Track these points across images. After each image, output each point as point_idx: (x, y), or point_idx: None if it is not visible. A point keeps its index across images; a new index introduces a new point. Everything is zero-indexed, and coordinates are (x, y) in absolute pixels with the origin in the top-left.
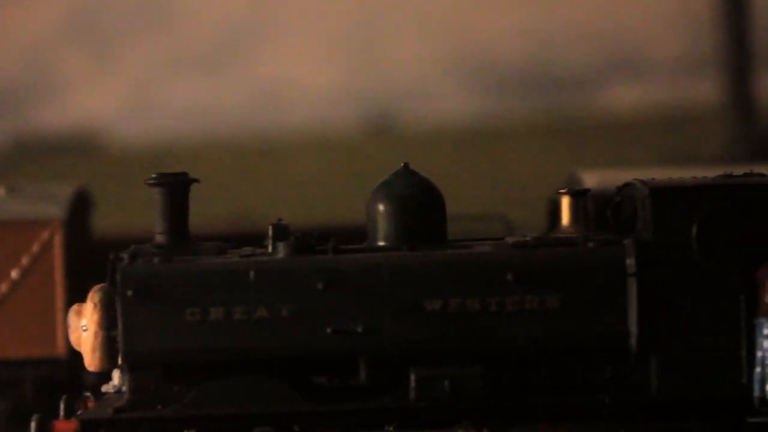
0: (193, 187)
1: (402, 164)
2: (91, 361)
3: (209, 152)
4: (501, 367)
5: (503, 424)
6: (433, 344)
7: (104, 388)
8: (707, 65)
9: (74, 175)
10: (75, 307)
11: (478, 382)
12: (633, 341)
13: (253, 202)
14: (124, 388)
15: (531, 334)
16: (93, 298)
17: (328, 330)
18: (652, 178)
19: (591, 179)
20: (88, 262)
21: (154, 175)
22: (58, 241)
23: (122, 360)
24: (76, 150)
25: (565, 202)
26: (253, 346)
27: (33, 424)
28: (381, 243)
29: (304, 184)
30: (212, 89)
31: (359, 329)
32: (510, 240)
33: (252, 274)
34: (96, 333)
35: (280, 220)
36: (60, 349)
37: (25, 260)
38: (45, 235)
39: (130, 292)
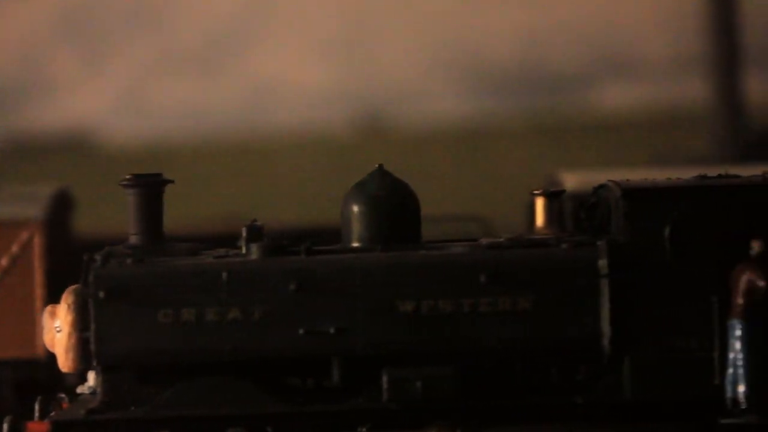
0: (184, 187)
1: (377, 165)
2: (64, 363)
3: (201, 152)
4: (474, 368)
5: (476, 425)
6: (405, 345)
7: (79, 390)
8: (698, 65)
9: (66, 175)
10: (49, 308)
11: (451, 383)
12: (606, 342)
13: (244, 202)
14: (98, 390)
15: (504, 335)
16: (67, 299)
17: (301, 331)
18: (627, 180)
19: (571, 180)
20: (70, 263)
21: (127, 177)
22: (37, 241)
23: (95, 361)
24: (68, 150)
25: (540, 204)
26: (226, 347)
27: (5, 426)
28: (355, 244)
29: (295, 184)
30: (204, 89)
31: (331, 330)
32: (484, 241)
33: (224, 275)
34: (69, 334)
35: (254, 221)
36: (39, 351)
37: (4, 261)
38: (24, 235)
39: (102, 294)
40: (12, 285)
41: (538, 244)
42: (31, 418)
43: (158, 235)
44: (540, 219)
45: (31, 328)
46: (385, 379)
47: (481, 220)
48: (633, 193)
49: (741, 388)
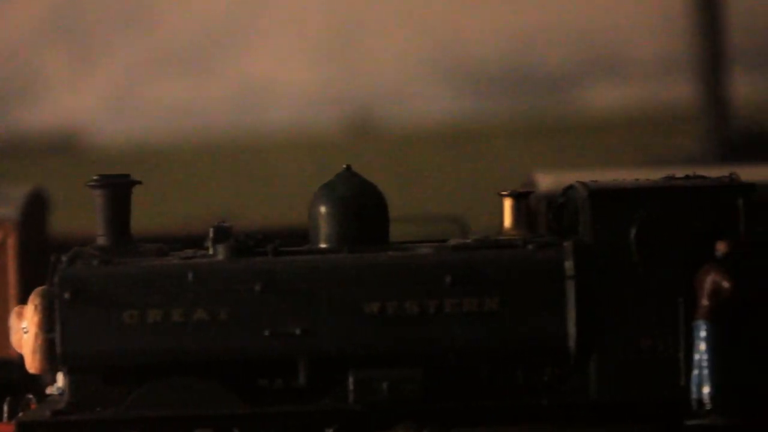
0: (174, 187)
1: (344, 166)
2: (31, 363)
3: (190, 152)
4: (440, 369)
5: (442, 426)
6: (371, 347)
7: (48, 391)
8: (685, 66)
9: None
10: (17, 309)
11: (417, 385)
12: (572, 343)
13: (234, 201)
14: (65, 390)
15: (469, 337)
16: (33, 300)
17: (266, 332)
18: (595, 181)
19: (545, 181)
20: (45, 264)
21: (95, 177)
22: (11, 242)
23: (60, 362)
24: (57, 150)
25: (508, 205)
26: (192, 348)
27: None
28: (323, 245)
29: (285, 184)
30: (194, 90)
31: (297, 331)
32: (452, 242)
33: (190, 276)
34: (36, 335)
35: (222, 221)
36: (13, 351)
37: None
38: None
39: (67, 295)
40: None
41: (505, 246)
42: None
43: (126, 236)
44: (508, 220)
45: (4, 328)
46: (351, 380)
47: (459, 220)
48: (599, 195)
49: (706, 389)
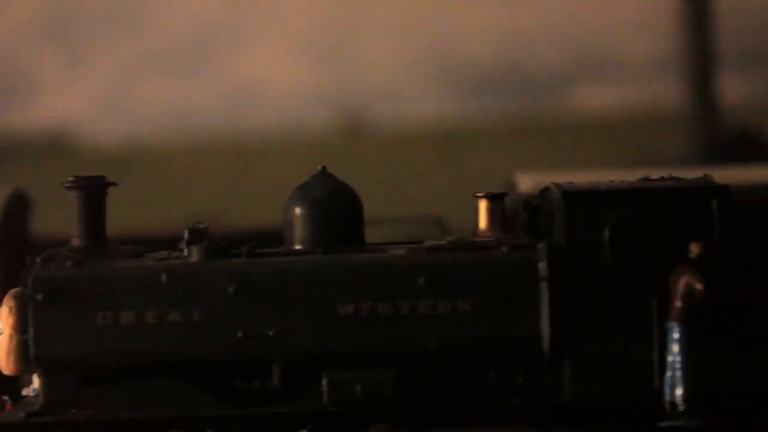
0: (165, 187)
1: (320, 167)
2: (6, 365)
3: (182, 153)
4: (414, 370)
5: (416, 427)
6: (345, 348)
7: (24, 392)
8: (675, 67)
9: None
10: None
11: (391, 386)
12: (545, 345)
13: (226, 202)
14: (39, 392)
15: (443, 338)
16: (8, 302)
17: (239, 334)
18: (570, 182)
19: (525, 182)
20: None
21: (70, 179)
22: None
23: (34, 364)
24: (49, 150)
25: (483, 206)
26: (166, 349)
27: None
28: (297, 247)
29: (277, 185)
30: (186, 90)
31: (271, 333)
32: (426, 244)
33: (163, 277)
34: (11, 336)
35: (198, 223)
36: None
37: None
38: None
39: (40, 296)
40: None
41: (479, 247)
42: None
43: (101, 237)
44: (483, 221)
45: None
46: (325, 381)
47: (439, 221)
48: (572, 196)
49: (679, 391)
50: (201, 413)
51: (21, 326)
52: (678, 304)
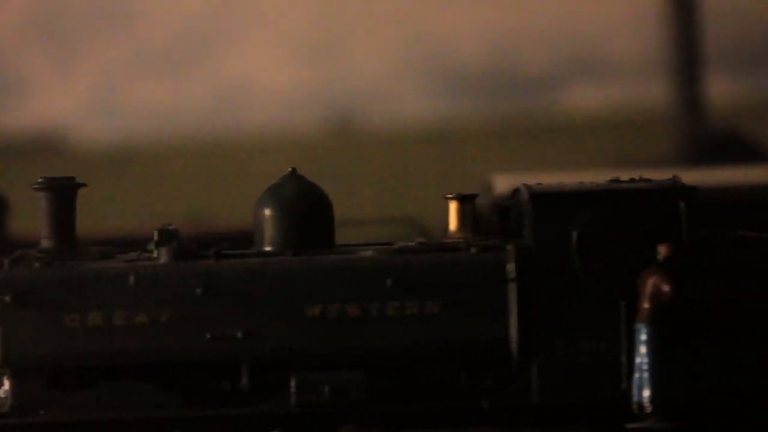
0: (155, 188)
1: (290, 169)
2: None
3: (171, 152)
4: (382, 371)
5: (385, 428)
6: (313, 349)
7: None
8: (664, 67)
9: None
10: None
11: (359, 387)
12: (513, 346)
13: (215, 202)
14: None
15: (412, 339)
16: None
17: (207, 335)
18: (539, 184)
19: (502, 183)
20: None
21: (40, 180)
22: None
23: (2, 365)
24: (38, 150)
25: (453, 208)
26: (134, 351)
27: None
28: (267, 248)
29: (265, 184)
30: (175, 90)
31: (239, 334)
32: (396, 245)
33: (131, 279)
34: None
35: (168, 224)
36: None
37: None
38: None
39: (8, 298)
40: None
41: (448, 249)
42: None
43: (70, 238)
44: (453, 223)
45: None
46: (293, 383)
47: (416, 222)
48: (540, 197)
49: (646, 392)
50: (169, 414)
51: None
52: (646, 305)
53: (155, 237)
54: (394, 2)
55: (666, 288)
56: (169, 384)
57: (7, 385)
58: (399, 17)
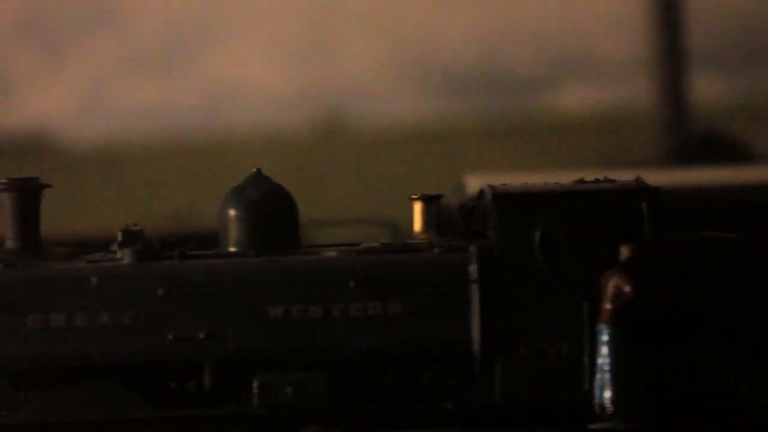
0: (142, 188)
1: (255, 169)
2: None
3: (160, 152)
4: (345, 373)
5: (347, 429)
6: (276, 350)
7: None
8: (648, 67)
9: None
10: None
11: (322, 388)
12: (476, 347)
13: (203, 202)
14: None
15: (374, 340)
16: None
17: (170, 336)
18: (503, 184)
19: (474, 183)
20: None
21: (4, 180)
22: None
23: None
24: (27, 150)
25: (417, 208)
26: (96, 352)
27: None
28: (232, 249)
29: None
30: (164, 89)
31: (201, 335)
32: (361, 246)
33: (94, 280)
34: None
35: (134, 225)
36: None
37: None
38: None
39: None
40: None
41: (411, 249)
42: None
43: (34, 239)
44: (417, 223)
45: None
46: (255, 384)
47: (390, 223)
48: (503, 198)
49: (607, 394)
50: (132, 415)
51: None
52: (608, 306)
53: (119, 238)
54: (383, 2)
55: (627, 289)
56: (131, 385)
57: None
58: (388, 17)
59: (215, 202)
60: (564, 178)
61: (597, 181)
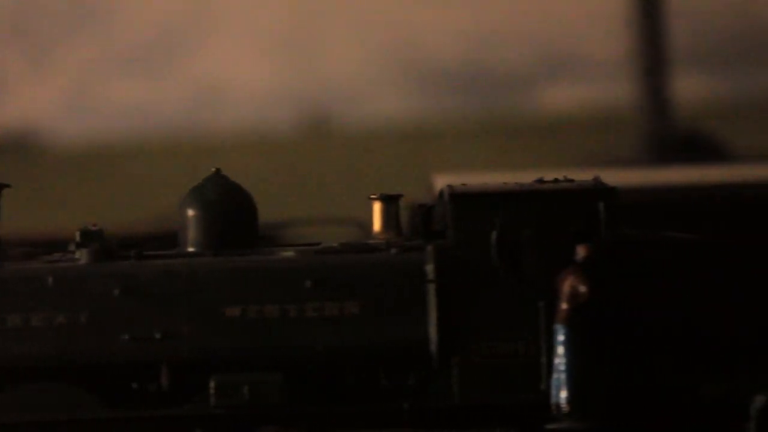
0: (128, 187)
1: (213, 169)
2: None
3: (146, 152)
4: (302, 373)
5: (304, 430)
6: (232, 351)
7: None
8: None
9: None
10: None
11: (278, 389)
12: (433, 348)
13: None
14: None
15: (331, 341)
16: None
17: (126, 337)
18: (463, 184)
19: (442, 183)
20: None
21: None
22: None
23: None
24: (12, 150)
25: (377, 208)
26: (52, 353)
27: None
28: (190, 249)
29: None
30: (150, 89)
31: (157, 336)
32: (319, 246)
33: (50, 280)
34: None
35: (94, 225)
36: None
37: None
38: None
39: None
40: None
41: (369, 249)
42: None
43: None
44: (377, 223)
45: None
46: (212, 384)
47: (360, 222)
48: (460, 198)
49: (563, 393)
50: (89, 416)
51: None
52: (564, 306)
53: (76, 238)
54: (369, 2)
55: (583, 289)
56: (88, 385)
57: None
58: (374, 16)
59: None
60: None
61: (556, 180)
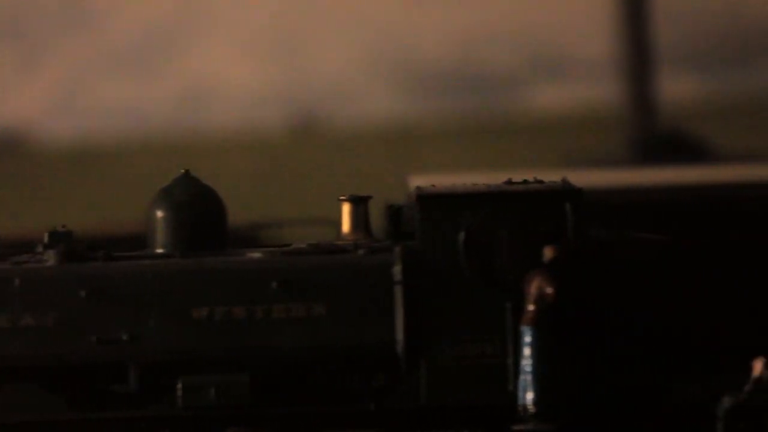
0: (119, 187)
1: (182, 171)
2: None
3: (135, 152)
4: (269, 374)
5: (271, 431)
6: (199, 352)
7: None
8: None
9: None
10: None
11: (245, 390)
12: (400, 349)
13: None
14: None
15: (297, 342)
16: None
17: (93, 338)
18: (432, 185)
19: (418, 184)
20: None
21: None
22: None
23: None
24: (1, 149)
25: (345, 209)
26: (19, 354)
27: None
28: (159, 250)
29: (229, 185)
30: (140, 89)
31: (125, 337)
32: (287, 248)
33: (17, 281)
34: None
35: (63, 226)
36: None
37: None
38: None
39: None
40: None
41: (336, 251)
42: None
43: None
44: (346, 225)
45: None
46: (179, 385)
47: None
48: (427, 199)
49: (530, 395)
50: (56, 418)
51: None
52: (530, 307)
53: (45, 239)
54: (357, 2)
55: (548, 290)
56: (56, 387)
57: None
58: (363, 16)
59: None
60: (517, 177)
61: (525, 182)
